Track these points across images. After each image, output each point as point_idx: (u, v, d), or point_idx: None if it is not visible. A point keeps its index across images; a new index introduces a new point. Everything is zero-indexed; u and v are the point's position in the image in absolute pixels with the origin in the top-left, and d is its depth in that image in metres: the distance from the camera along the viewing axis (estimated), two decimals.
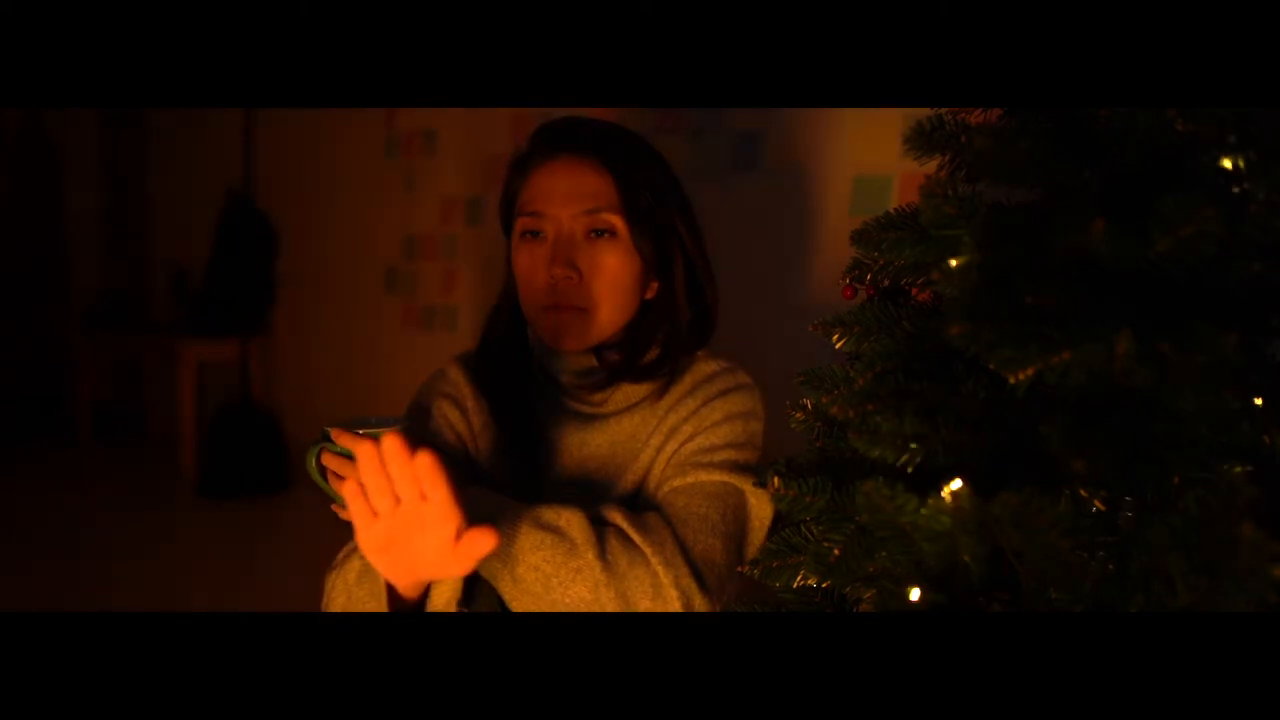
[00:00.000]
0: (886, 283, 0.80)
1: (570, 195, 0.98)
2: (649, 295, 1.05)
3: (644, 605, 0.89)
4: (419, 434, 1.04)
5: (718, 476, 0.98)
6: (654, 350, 1.05)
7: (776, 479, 0.75)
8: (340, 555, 0.94)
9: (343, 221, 3.30)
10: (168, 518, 3.08)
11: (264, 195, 3.60)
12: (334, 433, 0.90)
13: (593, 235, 0.99)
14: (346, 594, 0.90)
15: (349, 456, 0.91)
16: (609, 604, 0.89)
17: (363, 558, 0.89)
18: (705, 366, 1.07)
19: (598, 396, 1.05)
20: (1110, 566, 0.57)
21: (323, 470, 0.93)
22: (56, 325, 4.29)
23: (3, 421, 4.04)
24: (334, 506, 0.95)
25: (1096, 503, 0.58)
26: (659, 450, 1.03)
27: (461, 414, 1.07)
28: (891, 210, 0.74)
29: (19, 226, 4.23)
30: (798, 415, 0.80)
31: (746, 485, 0.98)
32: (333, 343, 3.39)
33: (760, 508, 0.99)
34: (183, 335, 3.62)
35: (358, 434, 0.90)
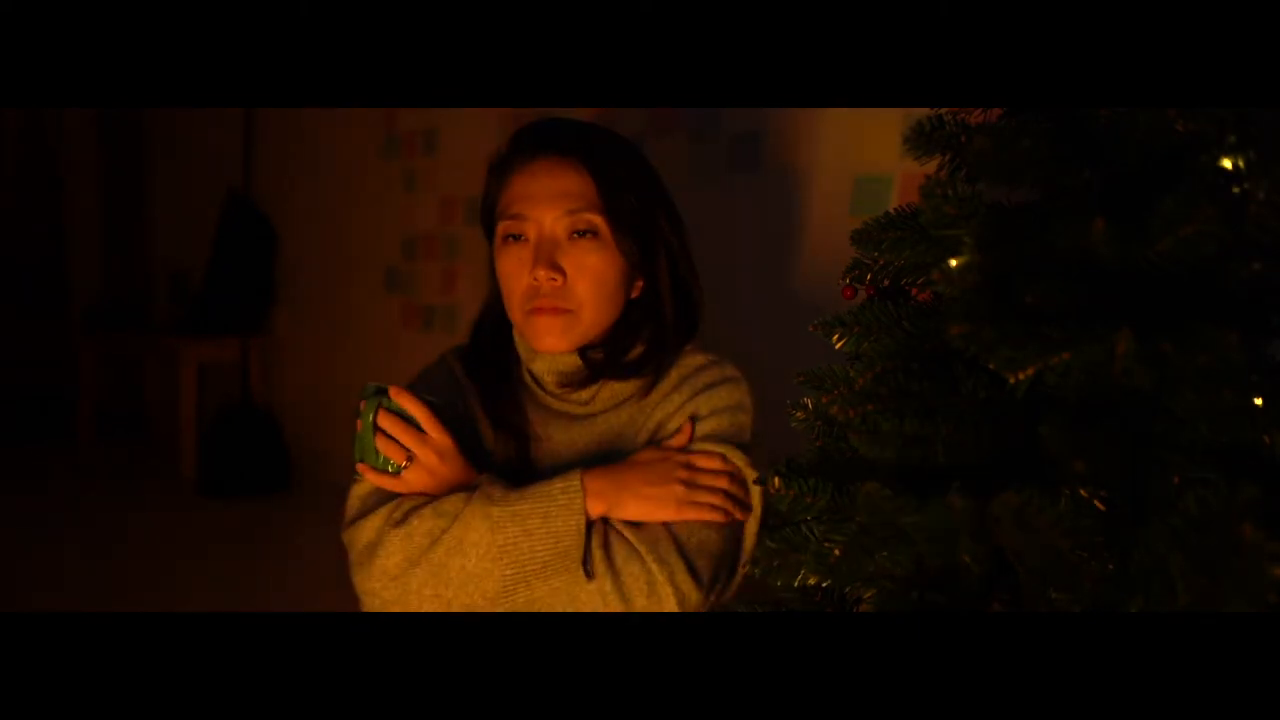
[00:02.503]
0: (886, 283, 0.80)
1: (551, 196, 0.98)
2: (634, 294, 1.05)
3: (640, 602, 0.89)
4: (448, 416, 1.04)
5: (706, 447, 0.99)
6: (638, 348, 1.05)
7: (776, 479, 0.75)
8: (395, 513, 0.93)
9: (343, 221, 3.29)
10: (168, 518, 3.08)
11: (264, 195, 3.60)
12: (393, 391, 0.92)
13: (575, 236, 0.99)
14: (408, 537, 0.91)
15: (404, 416, 0.91)
16: (604, 600, 0.89)
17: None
18: (692, 360, 1.07)
19: (583, 395, 1.05)
20: (1110, 566, 0.57)
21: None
22: (56, 325, 4.28)
23: (3, 421, 4.04)
24: (359, 465, 0.94)
25: (1096, 503, 0.58)
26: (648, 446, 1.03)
27: (465, 406, 1.08)
28: (891, 210, 0.73)
29: (19, 227, 4.23)
30: (798, 415, 0.80)
31: (734, 452, 0.99)
32: (333, 343, 3.39)
33: (751, 493, 0.99)
34: (183, 335, 3.62)
35: (423, 400, 0.92)
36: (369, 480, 0.95)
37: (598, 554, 0.90)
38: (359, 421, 0.93)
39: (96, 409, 4.07)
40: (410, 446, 0.92)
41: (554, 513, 0.89)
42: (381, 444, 0.92)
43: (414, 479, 0.93)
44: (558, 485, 0.91)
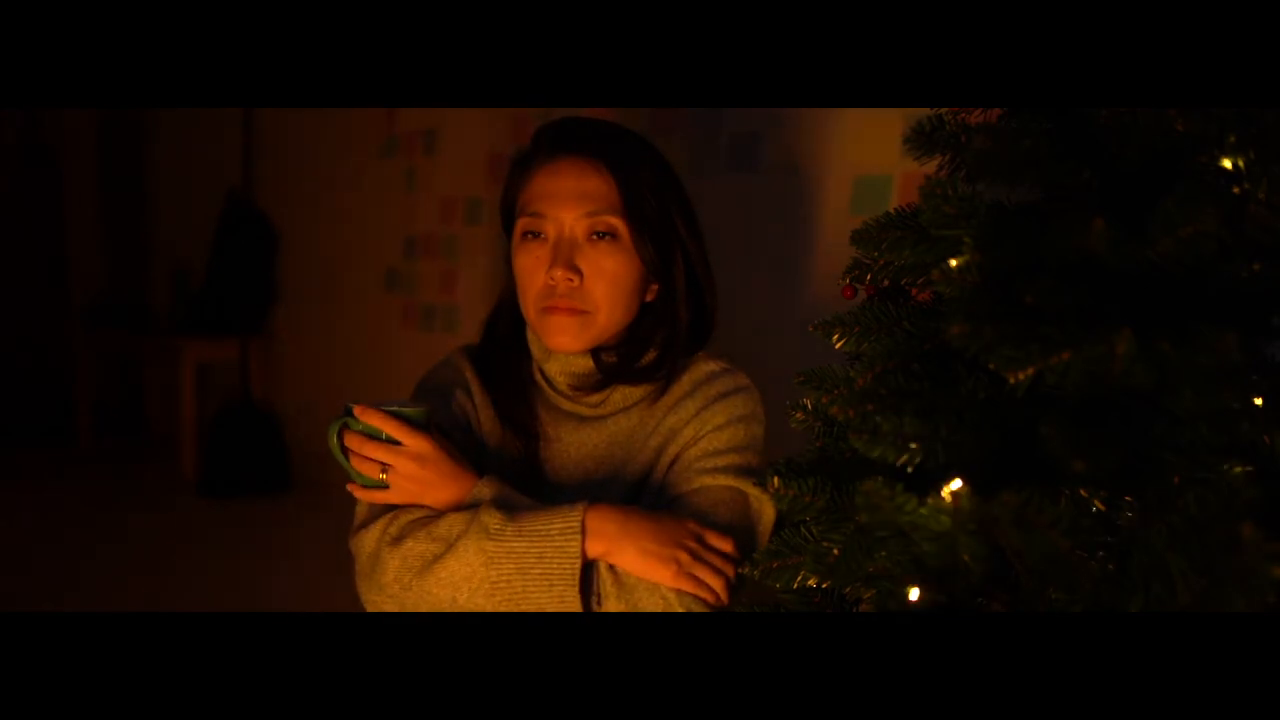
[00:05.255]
0: (886, 283, 0.80)
1: (572, 197, 0.98)
2: (649, 298, 1.05)
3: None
4: (440, 418, 1.03)
5: (722, 481, 0.98)
6: (651, 352, 1.04)
7: (776, 479, 0.75)
8: (391, 527, 0.93)
9: (343, 221, 3.29)
10: (168, 518, 3.07)
11: (264, 195, 3.60)
12: (358, 410, 0.91)
13: (594, 237, 0.98)
14: (402, 559, 0.90)
15: (371, 434, 0.91)
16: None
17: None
18: (705, 366, 1.07)
19: (595, 398, 1.05)
20: (1110, 566, 0.57)
21: (344, 448, 0.93)
22: (56, 325, 4.28)
23: (3, 422, 4.03)
24: (349, 485, 0.94)
25: (1096, 503, 0.58)
26: (659, 452, 1.03)
27: (473, 406, 1.07)
28: (891, 210, 0.73)
29: (19, 226, 4.23)
30: (798, 415, 0.80)
31: (751, 489, 0.98)
32: (333, 343, 3.39)
33: (764, 510, 0.99)
34: (183, 335, 3.62)
35: (385, 411, 0.91)
36: (359, 496, 0.94)
37: (608, 577, 0.90)
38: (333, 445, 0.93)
39: (96, 409, 4.06)
40: (383, 459, 0.90)
41: (549, 554, 0.88)
42: (356, 463, 0.92)
43: (400, 488, 0.92)
44: (557, 524, 0.89)
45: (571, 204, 0.98)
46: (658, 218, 1.00)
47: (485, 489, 0.93)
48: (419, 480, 0.91)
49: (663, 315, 1.04)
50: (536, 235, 1.00)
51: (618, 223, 0.98)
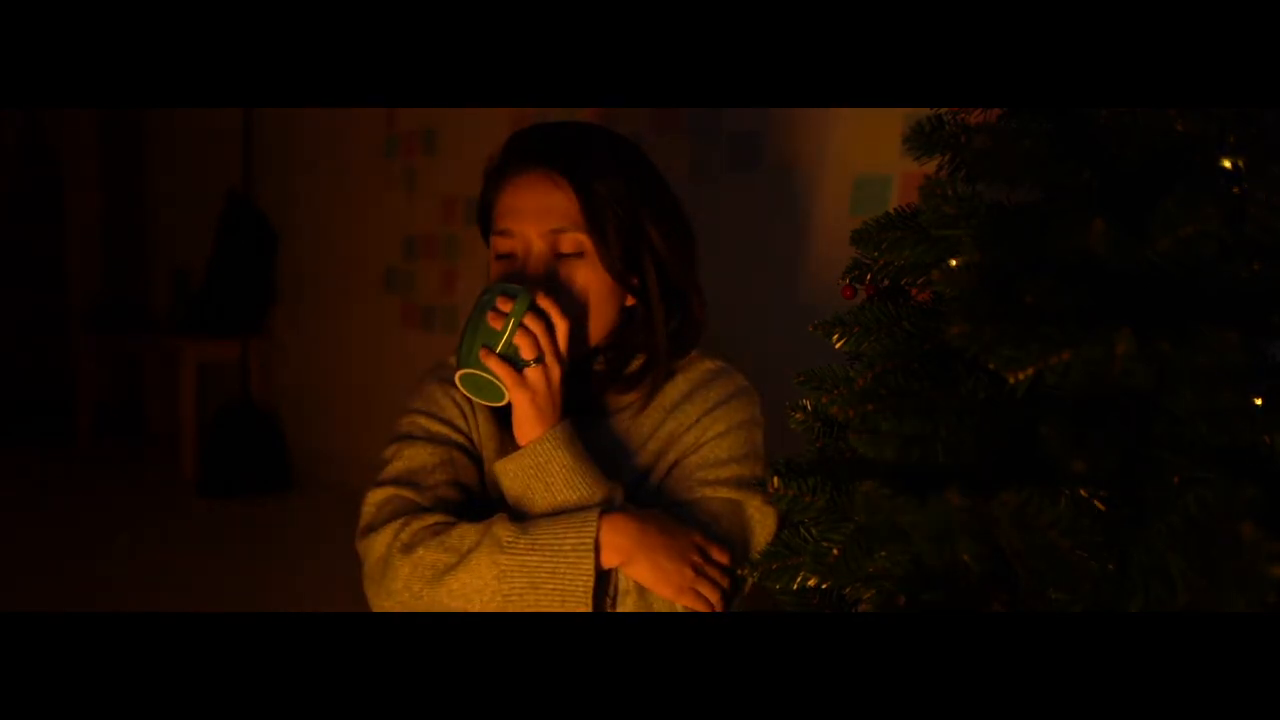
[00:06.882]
0: (886, 283, 0.80)
1: (536, 214, 0.97)
2: (630, 303, 1.04)
3: None
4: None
5: (723, 494, 0.98)
6: (639, 358, 1.04)
7: (776, 479, 0.75)
8: (403, 534, 0.93)
9: (343, 221, 3.29)
10: (168, 518, 3.07)
11: (264, 195, 3.60)
12: (541, 296, 0.93)
13: (561, 255, 0.98)
14: (413, 565, 0.91)
15: (547, 320, 0.93)
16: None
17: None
18: (701, 364, 1.07)
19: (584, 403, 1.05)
20: (1110, 566, 0.57)
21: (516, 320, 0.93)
22: (56, 325, 4.28)
23: (3, 422, 4.03)
24: (483, 350, 0.93)
25: (1096, 503, 0.58)
26: (658, 456, 1.03)
27: (470, 408, 1.07)
28: (891, 210, 0.73)
29: (19, 227, 4.23)
30: (798, 416, 0.80)
31: (752, 501, 0.98)
32: (333, 343, 3.39)
33: (764, 522, 0.98)
34: (183, 335, 3.62)
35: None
36: (493, 367, 0.92)
37: (633, 590, 0.92)
38: (489, 314, 0.92)
39: (96, 409, 4.06)
40: (547, 352, 0.92)
41: (562, 569, 0.88)
42: (521, 338, 0.92)
43: (533, 383, 0.92)
44: (570, 539, 0.89)
45: (535, 221, 0.97)
46: (624, 230, 0.98)
47: (562, 430, 0.94)
48: (550, 384, 0.93)
49: (645, 320, 1.04)
50: (508, 253, 1.00)
51: (582, 239, 0.97)
